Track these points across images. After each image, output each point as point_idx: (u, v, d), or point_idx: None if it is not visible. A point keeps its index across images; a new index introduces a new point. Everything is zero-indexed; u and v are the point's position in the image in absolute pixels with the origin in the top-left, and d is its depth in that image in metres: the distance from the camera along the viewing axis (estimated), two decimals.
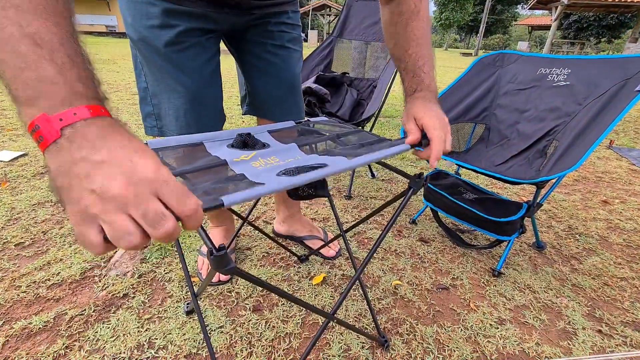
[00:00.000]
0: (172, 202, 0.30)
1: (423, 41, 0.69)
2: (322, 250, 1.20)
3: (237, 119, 3.01)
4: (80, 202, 0.29)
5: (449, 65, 10.37)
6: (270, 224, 1.40)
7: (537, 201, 1.11)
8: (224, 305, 0.98)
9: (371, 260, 1.22)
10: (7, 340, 0.84)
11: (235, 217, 1.24)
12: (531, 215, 1.11)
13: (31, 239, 1.22)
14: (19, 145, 2.06)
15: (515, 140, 1.29)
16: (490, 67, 1.42)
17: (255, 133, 0.77)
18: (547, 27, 24.74)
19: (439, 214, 1.37)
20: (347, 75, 1.85)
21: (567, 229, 1.49)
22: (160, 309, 0.96)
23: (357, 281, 1.11)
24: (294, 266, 1.17)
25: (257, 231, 1.30)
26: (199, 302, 0.99)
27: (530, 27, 30.42)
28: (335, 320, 0.67)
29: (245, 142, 0.71)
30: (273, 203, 1.53)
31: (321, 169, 0.55)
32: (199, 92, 0.84)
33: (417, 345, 0.89)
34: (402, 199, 0.68)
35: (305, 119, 0.89)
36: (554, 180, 1.15)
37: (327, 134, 0.79)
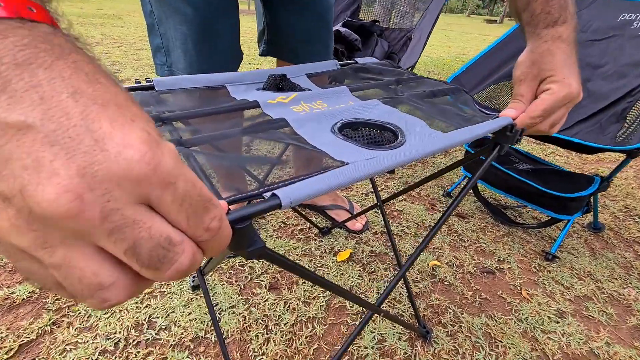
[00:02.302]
0: (181, 219, 0.16)
1: None
2: (347, 223, 1.05)
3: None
4: None
5: (473, 32, 9.72)
6: None
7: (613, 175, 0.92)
8: (236, 282, 0.85)
9: (403, 236, 1.07)
10: None
11: (249, 179, 1.08)
12: (604, 191, 0.93)
13: None
14: None
15: (585, 102, 1.07)
16: None
17: (292, 76, 0.60)
18: None
19: (479, 186, 1.19)
20: (377, 24, 1.60)
21: (624, 210, 1.31)
22: (163, 282, 0.83)
23: (394, 257, 0.96)
24: (315, 239, 1.02)
25: None
26: (207, 276, 0.86)
27: None
28: (382, 314, 0.52)
29: (279, 86, 0.55)
30: (290, 167, 1.37)
31: (404, 147, 0.38)
32: (209, 17, 0.65)
33: (465, 339, 0.75)
34: (473, 161, 0.51)
35: (353, 60, 0.70)
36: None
37: (384, 79, 0.61)
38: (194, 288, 0.82)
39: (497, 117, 0.48)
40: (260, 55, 0.87)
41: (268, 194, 0.26)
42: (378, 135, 0.42)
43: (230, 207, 0.23)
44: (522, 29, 0.50)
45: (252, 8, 11.87)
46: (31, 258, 0.15)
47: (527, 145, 1.83)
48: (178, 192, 0.15)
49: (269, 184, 0.30)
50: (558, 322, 0.81)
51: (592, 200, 1.08)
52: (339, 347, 0.71)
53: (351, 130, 0.43)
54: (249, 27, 5.18)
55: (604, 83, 1.05)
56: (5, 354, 0.64)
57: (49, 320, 0.71)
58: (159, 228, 0.15)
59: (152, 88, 0.51)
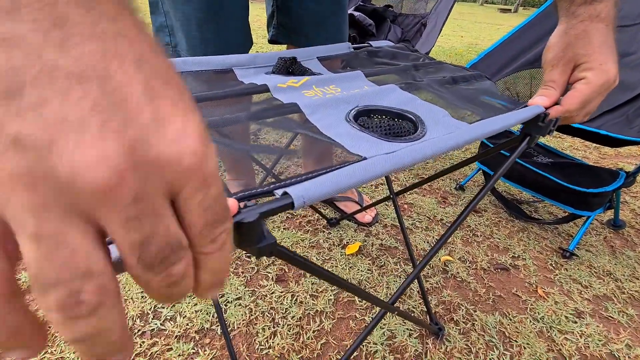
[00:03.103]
0: (198, 224, 0.14)
1: None
2: (356, 215, 1.02)
3: None
4: None
5: (486, 22, 9.45)
6: None
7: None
8: (242, 272, 0.83)
9: (414, 230, 1.04)
10: None
11: (255, 167, 1.05)
12: (629, 186, 0.88)
13: None
14: None
15: (611, 92, 1.02)
16: None
17: (303, 59, 0.57)
18: None
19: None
20: (390, 9, 1.54)
21: None
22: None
23: (404, 250, 0.94)
24: (323, 231, 1.00)
25: None
26: None
27: None
28: (396, 312, 0.49)
29: (290, 69, 0.52)
30: (298, 157, 1.34)
31: (425, 140, 0.35)
32: None
33: (478, 338, 0.72)
34: (497, 151, 0.48)
35: (367, 43, 0.67)
36: None
37: (400, 63, 0.58)
38: None
39: (526, 105, 0.44)
40: (269, 41, 0.83)
41: (279, 192, 0.24)
42: (396, 125, 0.39)
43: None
44: (554, 5, 0.46)
45: None
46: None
47: (542, 138, 1.77)
48: (208, 197, 0.14)
49: (278, 174, 0.27)
50: (576, 322, 0.77)
51: (614, 196, 1.03)
52: (348, 343, 0.69)
53: (367, 118, 0.40)
54: (256, 15, 5.10)
55: (632, 72, 0.99)
56: None
57: None
58: (175, 228, 0.13)
59: None
